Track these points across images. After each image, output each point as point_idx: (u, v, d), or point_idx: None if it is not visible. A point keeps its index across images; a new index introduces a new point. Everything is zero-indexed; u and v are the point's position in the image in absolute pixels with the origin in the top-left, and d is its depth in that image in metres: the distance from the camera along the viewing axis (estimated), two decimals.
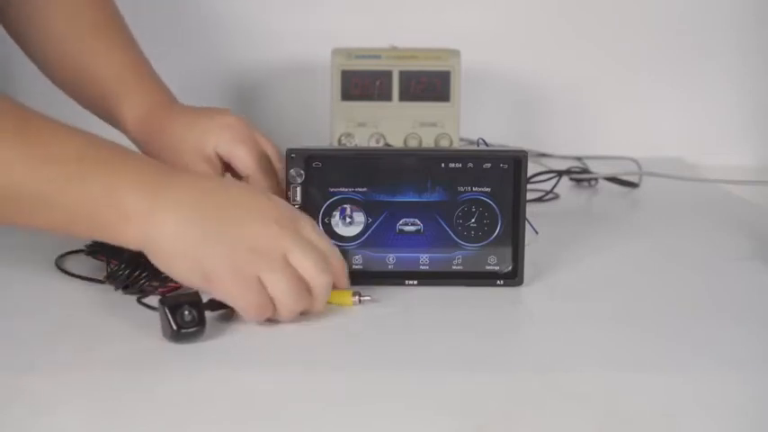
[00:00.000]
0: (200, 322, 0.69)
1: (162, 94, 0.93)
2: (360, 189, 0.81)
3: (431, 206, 0.81)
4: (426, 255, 0.82)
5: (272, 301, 0.71)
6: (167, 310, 0.69)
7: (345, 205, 0.81)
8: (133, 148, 0.88)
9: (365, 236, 0.82)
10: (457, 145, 1.14)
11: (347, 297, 0.77)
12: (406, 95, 1.13)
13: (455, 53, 1.13)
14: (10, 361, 0.67)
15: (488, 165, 0.81)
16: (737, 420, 0.61)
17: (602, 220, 1.08)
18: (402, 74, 1.13)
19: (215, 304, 0.72)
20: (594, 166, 1.26)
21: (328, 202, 0.81)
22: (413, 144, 1.13)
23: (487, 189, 0.81)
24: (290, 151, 0.80)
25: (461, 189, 0.81)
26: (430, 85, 1.13)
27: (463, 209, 0.82)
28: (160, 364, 0.67)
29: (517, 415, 0.61)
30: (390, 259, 0.82)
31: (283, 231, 0.71)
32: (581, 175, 1.21)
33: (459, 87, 1.13)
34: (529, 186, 0.92)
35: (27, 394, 0.63)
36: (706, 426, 0.61)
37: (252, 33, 1.37)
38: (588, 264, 0.89)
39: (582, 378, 0.66)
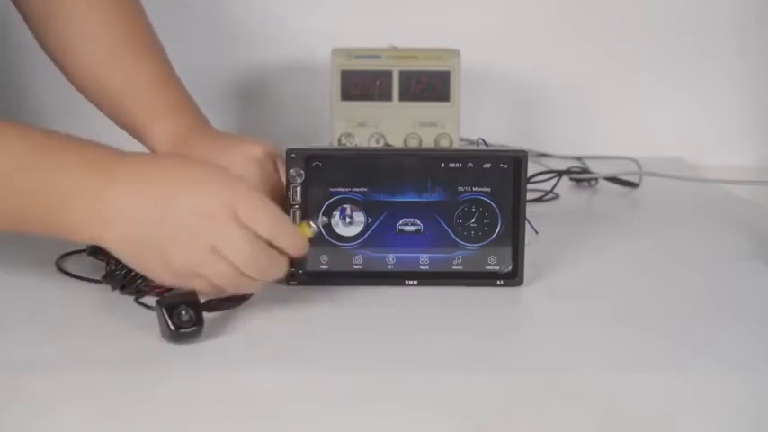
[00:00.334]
0: (197, 322, 0.69)
1: (191, 117, 0.92)
2: (360, 189, 0.81)
3: (431, 206, 0.81)
4: (426, 255, 0.82)
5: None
6: (164, 311, 0.69)
7: (345, 205, 0.81)
8: None
9: (365, 236, 0.82)
10: (457, 145, 1.14)
11: (306, 230, 0.76)
12: (406, 95, 1.13)
13: (455, 53, 1.13)
14: (10, 361, 0.67)
15: (488, 165, 0.81)
16: (737, 420, 0.61)
17: (602, 220, 1.08)
18: (402, 74, 1.13)
19: (213, 304, 0.72)
20: (594, 166, 1.26)
21: (328, 202, 0.81)
22: (413, 144, 1.13)
23: (487, 189, 0.81)
24: (290, 151, 0.80)
25: (461, 189, 0.81)
26: (430, 85, 1.13)
27: (463, 209, 0.82)
28: (159, 364, 0.67)
29: (517, 415, 0.61)
30: (390, 259, 0.82)
31: (223, 210, 0.70)
32: (581, 175, 1.21)
33: (459, 87, 1.13)
34: (529, 186, 0.92)
35: (27, 394, 0.63)
36: (706, 426, 0.61)
37: (252, 33, 1.37)
38: (588, 264, 0.89)
39: (582, 378, 0.66)
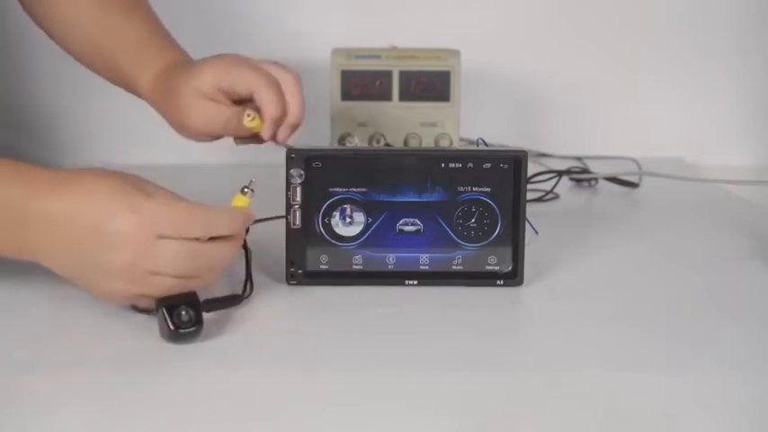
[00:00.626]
0: (197, 322, 0.69)
1: (177, 55, 0.93)
2: (360, 189, 0.81)
3: (431, 206, 0.81)
4: (426, 255, 0.82)
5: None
6: (164, 311, 0.69)
7: (345, 205, 0.81)
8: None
9: (365, 236, 0.82)
10: (457, 145, 1.14)
11: (242, 200, 0.76)
12: (406, 95, 1.13)
13: (455, 53, 1.13)
14: (10, 361, 0.67)
15: (488, 165, 0.81)
16: (737, 420, 0.61)
17: (602, 220, 1.08)
18: (402, 74, 1.13)
19: (213, 304, 0.72)
20: (594, 166, 1.26)
21: (328, 202, 0.81)
22: (413, 144, 1.13)
23: (487, 189, 0.81)
24: (290, 151, 0.80)
25: (461, 189, 0.81)
26: (430, 85, 1.13)
27: (463, 209, 0.82)
28: (159, 364, 0.67)
29: (517, 415, 0.61)
30: (390, 259, 0.82)
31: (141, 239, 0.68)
32: (581, 175, 1.21)
33: (459, 87, 1.13)
34: (529, 186, 0.92)
35: (27, 394, 0.63)
36: (706, 426, 0.61)
37: (252, 33, 1.37)
38: (588, 264, 0.89)
39: (582, 378, 0.66)
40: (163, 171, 1.26)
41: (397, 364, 0.68)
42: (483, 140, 0.87)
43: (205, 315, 0.71)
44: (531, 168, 0.93)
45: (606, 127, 1.39)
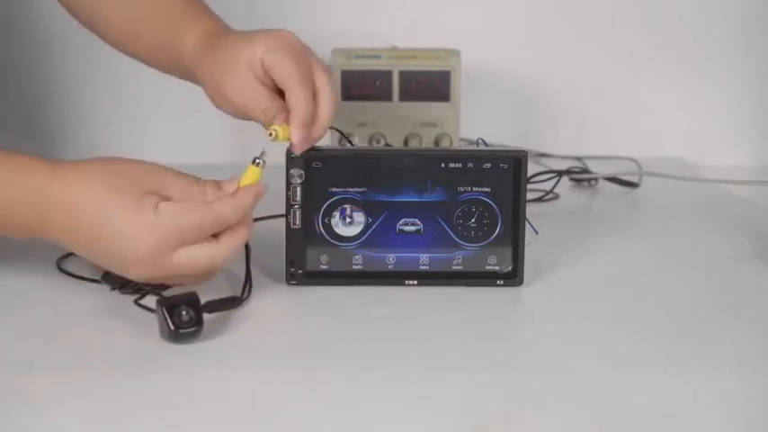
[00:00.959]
0: (197, 322, 0.69)
1: (221, 23, 0.92)
2: (360, 189, 0.81)
3: (431, 206, 0.81)
4: (426, 255, 0.82)
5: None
6: (164, 311, 0.69)
7: (345, 205, 0.81)
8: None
9: (365, 236, 0.82)
10: (457, 145, 1.14)
11: (254, 172, 0.77)
12: (406, 95, 1.13)
13: (455, 53, 1.13)
14: (10, 361, 0.67)
15: (488, 165, 0.81)
16: (737, 420, 0.61)
17: (602, 220, 1.08)
18: (402, 74, 1.13)
19: (213, 305, 0.72)
20: (594, 166, 1.26)
21: (328, 202, 0.81)
22: (413, 144, 1.13)
23: (487, 189, 0.81)
24: (290, 151, 0.80)
25: (461, 189, 0.81)
26: (430, 85, 1.13)
27: (463, 209, 0.82)
28: (159, 364, 0.67)
29: (517, 415, 0.61)
30: (390, 259, 0.82)
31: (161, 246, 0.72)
32: (581, 175, 1.21)
33: (459, 87, 1.13)
34: (529, 186, 0.92)
35: (27, 394, 0.63)
36: (706, 426, 0.61)
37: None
38: (588, 264, 0.89)
39: (582, 378, 0.66)
40: None
41: (397, 364, 0.68)
42: (483, 140, 0.87)
43: (205, 315, 0.71)
44: (531, 168, 0.93)
45: (606, 127, 1.39)
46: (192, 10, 0.93)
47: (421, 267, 0.82)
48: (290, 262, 0.81)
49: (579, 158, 1.32)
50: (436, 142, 1.13)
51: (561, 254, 0.91)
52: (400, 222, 0.82)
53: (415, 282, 0.82)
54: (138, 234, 0.71)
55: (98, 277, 0.80)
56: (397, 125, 1.13)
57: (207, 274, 0.76)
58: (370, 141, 1.13)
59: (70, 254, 0.85)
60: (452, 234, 0.82)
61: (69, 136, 1.38)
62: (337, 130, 0.94)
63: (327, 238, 0.81)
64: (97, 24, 0.98)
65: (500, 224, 0.82)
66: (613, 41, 1.38)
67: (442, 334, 0.73)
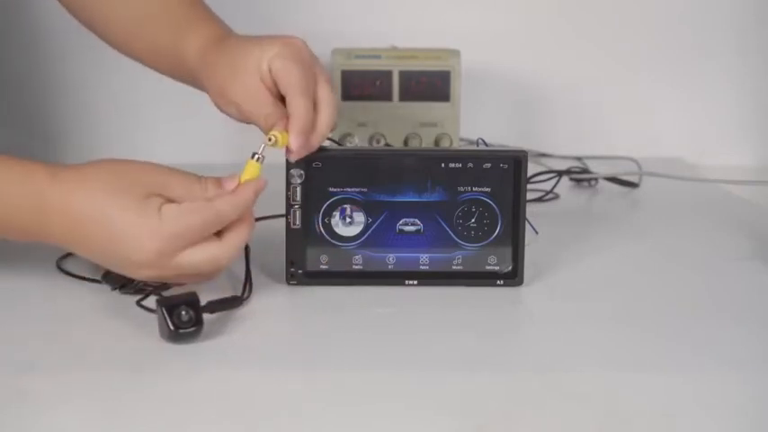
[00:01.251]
0: (197, 322, 0.69)
1: (224, 27, 0.92)
2: (360, 189, 0.81)
3: (431, 206, 0.81)
4: (426, 255, 0.82)
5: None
6: (164, 311, 0.69)
7: (345, 205, 0.81)
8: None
9: (365, 236, 0.82)
10: (457, 145, 1.14)
11: (254, 167, 0.77)
12: (406, 95, 1.13)
13: (455, 53, 1.13)
14: (10, 361, 0.67)
15: (488, 165, 0.81)
16: (737, 420, 0.61)
17: (602, 220, 1.08)
18: (402, 74, 1.13)
19: (213, 306, 0.72)
20: (594, 166, 1.26)
21: (328, 202, 0.81)
22: (413, 144, 1.13)
23: (487, 189, 0.81)
24: (290, 151, 0.79)
25: (461, 189, 0.81)
26: (430, 85, 1.13)
27: (463, 209, 0.82)
28: (159, 364, 0.67)
29: (517, 415, 0.61)
30: (390, 259, 0.82)
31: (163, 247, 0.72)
32: (581, 175, 1.21)
33: (460, 87, 1.13)
34: (529, 186, 0.92)
35: (27, 394, 0.63)
36: (706, 426, 0.61)
37: (252, 34, 1.37)
38: (588, 264, 0.89)
39: (582, 378, 0.66)
40: None
41: (397, 364, 0.68)
42: (483, 140, 0.87)
43: (205, 315, 0.71)
44: (531, 168, 0.93)
45: (606, 127, 1.39)
46: (195, 13, 0.93)
47: (421, 267, 0.82)
48: (290, 262, 0.81)
49: (579, 158, 1.32)
50: (436, 142, 1.13)
51: (561, 254, 0.91)
52: (400, 222, 0.82)
53: (415, 282, 0.82)
54: (141, 237, 0.71)
55: (98, 277, 0.80)
56: (397, 125, 1.13)
57: (211, 274, 0.76)
58: (370, 141, 1.13)
59: (70, 254, 0.85)
60: (452, 234, 0.82)
61: (69, 136, 1.38)
62: (334, 141, 0.95)
63: (327, 238, 0.81)
64: (97, 24, 0.98)
65: (500, 224, 0.82)
66: (613, 41, 1.38)
67: (442, 334, 0.73)
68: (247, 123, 0.86)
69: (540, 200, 1.13)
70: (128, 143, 1.37)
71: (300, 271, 0.81)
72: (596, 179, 1.21)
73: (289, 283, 0.81)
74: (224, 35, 0.89)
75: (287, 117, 0.79)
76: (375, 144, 1.12)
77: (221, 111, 0.87)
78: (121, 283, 0.78)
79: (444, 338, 0.72)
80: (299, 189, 0.80)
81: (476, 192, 0.81)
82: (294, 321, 0.77)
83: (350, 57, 1.13)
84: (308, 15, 1.36)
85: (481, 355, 0.70)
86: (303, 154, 0.79)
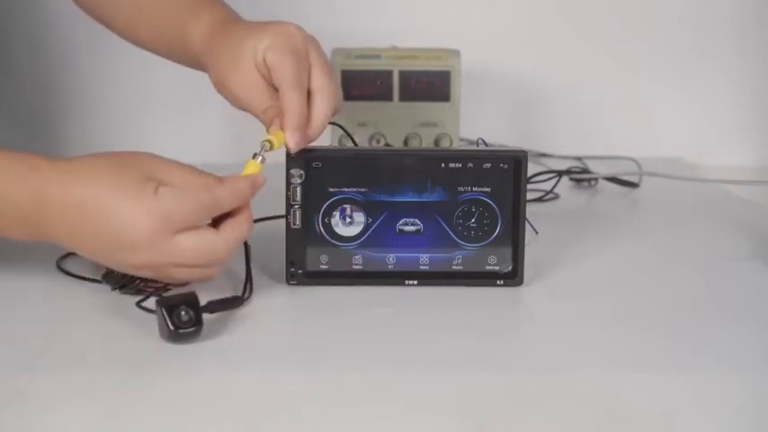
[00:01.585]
0: (197, 322, 0.69)
1: (229, 11, 0.92)
2: (360, 189, 0.81)
3: (431, 206, 0.81)
4: (426, 255, 0.82)
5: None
6: (164, 311, 0.69)
7: (345, 205, 0.81)
8: None
9: (365, 236, 0.82)
10: (457, 145, 1.14)
11: (254, 166, 0.77)
12: (406, 95, 1.13)
13: (455, 53, 1.13)
14: (10, 361, 0.67)
15: (488, 165, 0.81)
16: (737, 420, 0.61)
17: (602, 220, 1.08)
18: (402, 74, 1.13)
19: (213, 306, 0.72)
20: (594, 166, 1.26)
21: (328, 202, 0.81)
22: (413, 144, 1.13)
23: (487, 189, 0.81)
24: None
25: (461, 189, 0.81)
26: (430, 85, 1.13)
27: (463, 209, 0.82)
28: (159, 364, 0.67)
29: (517, 415, 0.61)
30: (390, 259, 0.82)
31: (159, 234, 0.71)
32: (581, 175, 1.21)
33: (460, 87, 1.13)
34: (529, 186, 0.92)
35: (27, 394, 0.63)
36: (706, 426, 0.61)
37: None
38: (588, 264, 0.89)
39: (582, 378, 0.66)
40: None
41: (397, 364, 0.68)
42: (483, 140, 0.87)
43: (205, 315, 0.71)
44: (531, 168, 0.93)
45: (606, 127, 1.39)
46: (203, 2, 0.92)
47: (421, 267, 0.82)
48: (290, 262, 0.81)
49: (579, 158, 1.32)
50: (436, 142, 1.13)
51: (561, 254, 0.91)
52: (400, 222, 0.82)
53: (415, 282, 0.82)
54: (139, 216, 0.70)
55: (98, 277, 0.80)
56: (397, 125, 1.13)
57: (209, 270, 0.74)
58: (370, 141, 1.13)
59: (70, 254, 0.85)
60: (452, 234, 0.82)
61: (69, 136, 1.38)
62: (340, 126, 0.94)
63: (327, 238, 0.81)
64: (103, 12, 0.98)
65: (500, 224, 0.82)
66: (613, 41, 1.38)
67: (442, 334, 0.73)
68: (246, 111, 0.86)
69: (540, 200, 1.13)
70: (128, 143, 1.37)
71: (300, 271, 0.81)
72: (596, 179, 1.21)
73: (289, 283, 0.81)
74: (226, 20, 0.89)
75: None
76: (375, 144, 1.12)
77: (230, 103, 0.87)
78: (121, 284, 0.78)
79: (444, 338, 0.72)
80: (299, 189, 0.80)
81: (476, 192, 0.81)
82: (294, 321, 0.77)
83: (350, 57, 1.13)
84: (308, 15, 1.36)
85: (481, 355, 0.70)
86: (303, 146, 0.79)
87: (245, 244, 0.82)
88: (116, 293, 0.78)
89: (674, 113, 1.40)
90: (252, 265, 0.81)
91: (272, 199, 0.81)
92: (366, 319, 0.76)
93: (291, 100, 0.78)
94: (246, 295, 0.78)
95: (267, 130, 0.80)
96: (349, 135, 0.96)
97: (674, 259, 0.92)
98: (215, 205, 0.73)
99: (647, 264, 0.91)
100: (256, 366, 0.68)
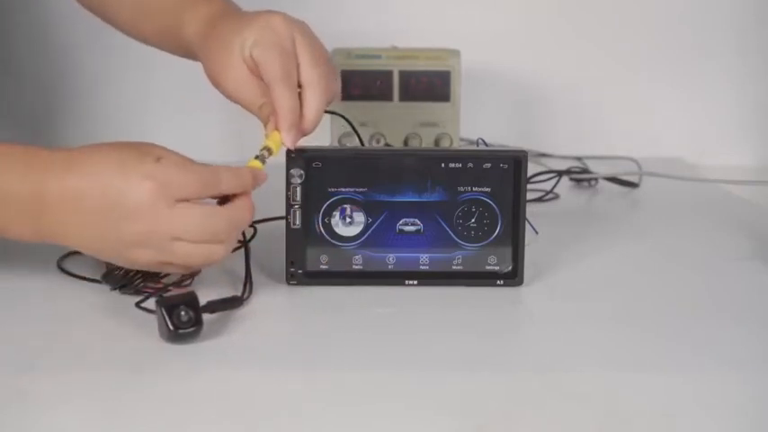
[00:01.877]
0: (196, 322, 0.69)
1: (222, 4, 0.91)
2: (360, 189, 0.81)
3: (431, 206, 0.81)
4: (426, 255, 0.82)
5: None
6: (164, 311, 0.69)
7: (345, 205, 0.81)
8: None
9: (365, 236, 0.82)
10: (457, 145, 1.14)
11: (256, 165, 0.77)
12: (406, 95, 1.13)
13: (455, 53, 1.13)
14: (10, 361, 0.67)
15: (488, 165, 0.81)
16: (737, 420, 0.61)
17: (602, 220, 1.08)
18: (402, 74, 1.13)
19: (213, 306, 0.72)
20: (594, 166, 1.26)
21: (328, 202, 0.81)
22: (413, 144, 1.13)
23: (487, 189, 0.81)
24: (290, 151, 0.80)
25: (461, 189, 0.81)
26: (430, 85, 1.13)
27: (463, 209, 0.82)
28: (159, 364, 0.67)
29: (517, 415, 0.61)
30: (390, 259, 0.82)
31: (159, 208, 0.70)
32: (581, 175, 1.21)
33: (460, 87, 1.13)
34: (529, 186, 0.92)
35: (27, 394, 0.63)
36: (706, 426, 0.61)
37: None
38: (588, 264, 0.89)
39: (582, 378, 0.66)
40: None
41: (397, 364, 0.68)
42: (483, 140, 0.87)
43: (205, 315, 0.71)
44: (531, 168, 0.93)
45: (606, 127, 1.39)
46: None
47: (421, 267, 0.82)
48: (290, 262, 0.81)
49: (579, 158, 1.32)
50: (436, 142, 1.13)
51: (561, 254, 0.91)
52: (400, 222, 0.82)
53: (415, 282, 0.82)
54: (139, 180, 0.69)
55: (98, 277, 0.80)
56: (397, 125, 1.13)
57: (213, 248, 0.72)
58: (370, 141, 1.13)
59: (70, 253, 0.85)
60: (452, 234, 0.82)
61: (69, 136, 1.38)
62: (343, 117, 0.94)
63: (327, 238, 0.81)
64: (106, 8, 0.98)
65: (500, 224, 0.82)
66: (613, 41, 1.38)
67: (442, 334, 0.73)
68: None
69: (540, 200, 1.13)
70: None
71: (300, 271, 0.81)
72: (596, 179, 1.21)
73: (289, 283, 0.81)
74: (221, 14, 0.89)
75: None
76: (375, 144, 1.12)
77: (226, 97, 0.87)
78: (121, 284, 0.78)
79: (444, 338, 0.72)
80: (299, 189, 0.80)
81: (476, 192, 0.81)
82: (294, 321, 0.77)
83: (350, 57, 1.13)
84: (308, 15, 1.36)
85: (481, 355, 0.70)
86: (299, 140, 0.79)
87: (246, 245, 0.82)
88: (116, 293, 0.78)
89: (674, 113, 1.40)
90: (252, 265, 0.81)
91: (273, 199, 0.81)
92: (366, 319, 0.76)
93: (281, 97, 0.78)
94: (246, 295, 0.78)
95: (265, 128, 0.80)
96: (354, 129, 0.96)
97: (674, 259, 0.92)
98: (215, 182, 0.73)
99: (647, 264, 0.91)
100: (256, 366, 0.68)
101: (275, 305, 0.78)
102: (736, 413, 0.62)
